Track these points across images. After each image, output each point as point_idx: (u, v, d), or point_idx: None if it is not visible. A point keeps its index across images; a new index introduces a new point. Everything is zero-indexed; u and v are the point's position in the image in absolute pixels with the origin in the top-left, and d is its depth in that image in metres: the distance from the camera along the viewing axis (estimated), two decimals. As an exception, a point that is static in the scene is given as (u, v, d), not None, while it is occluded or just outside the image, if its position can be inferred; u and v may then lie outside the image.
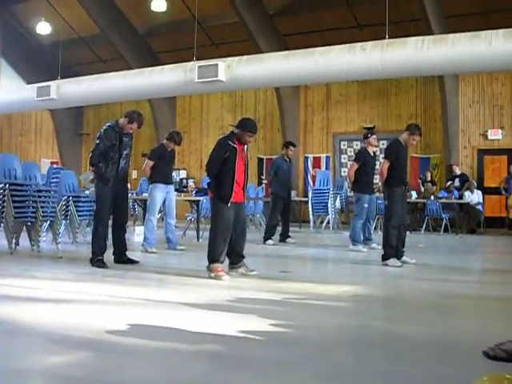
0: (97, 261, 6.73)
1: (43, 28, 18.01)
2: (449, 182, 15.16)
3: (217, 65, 12.79)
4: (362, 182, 9.53)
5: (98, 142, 6.85)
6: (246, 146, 6.40)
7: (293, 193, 11.73)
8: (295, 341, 3.53)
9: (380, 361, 3.17)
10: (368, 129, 10.38)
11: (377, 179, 11.65)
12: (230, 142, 6.19)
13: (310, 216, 14.51)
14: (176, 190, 10.70)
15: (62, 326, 3.74)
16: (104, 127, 6.94)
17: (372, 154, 9.82)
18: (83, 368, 2.87)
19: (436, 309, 4.82)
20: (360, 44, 11.65)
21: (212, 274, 6.03)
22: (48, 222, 8.88)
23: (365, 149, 9.84)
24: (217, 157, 6.21)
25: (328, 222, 14.45)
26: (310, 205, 14.38)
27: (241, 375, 2.83)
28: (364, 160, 9.62)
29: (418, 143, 15.69)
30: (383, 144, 14.77)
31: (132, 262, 7.08)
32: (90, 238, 7.09)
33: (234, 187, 6.14)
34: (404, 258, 7.57)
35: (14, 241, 7.91)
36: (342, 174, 17.85)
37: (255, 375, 2.83)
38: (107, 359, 3.04)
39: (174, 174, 9.50)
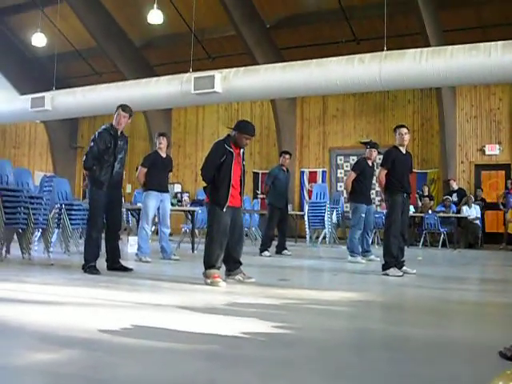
0: (89, 267, 6.53)
1: (38, 39, 17.91)
2: (445, 197, 15.05)
3: (213, 76, 12.77)
4: (359, 191, 9.40)
5: (92, 144, 6.67)
6: (242, 150, 6.24)
7: (289, 206, 11.56)
8: (297, 342, 3.35)
9: (388, 361, 2.98)
10: (367, 143, 10.22)
11: (373, 193, 11.49)
12: (226, 146, 6.03)
13: (307, 230, 14.25)
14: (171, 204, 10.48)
15: (51, 325, 3.55)
16: (98, 130, 6.79)
17: (370, 164, 9.71)
18: (73, 365, 2.67)
19: (441, 313, 4.65)
20: (358, 56, 11.62)
21: (208, 281, 5.84)
22: (40, 230, 8.69)
23: (363, 158, 9.71)
24: (212, 161, 6.03)
25: (324, 237, 14.23)
26: (306, 218, 14.15)
27: (245, 373, 2.64)
28: (362, 169, 9.49)
29: (416, 158, 15.77)
30: (379, 159, 14.59)
31: (125, 269, 6.88)
32: (82, 247, 6.87)
33: (231, 191, 5.98)
34: (404, 268, 7.40)
35: (4, 248, 7.76)
36: (339, 188, 17.72)
37: (260, 374, 2.64)
38: (99, 357, 2.84)
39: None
